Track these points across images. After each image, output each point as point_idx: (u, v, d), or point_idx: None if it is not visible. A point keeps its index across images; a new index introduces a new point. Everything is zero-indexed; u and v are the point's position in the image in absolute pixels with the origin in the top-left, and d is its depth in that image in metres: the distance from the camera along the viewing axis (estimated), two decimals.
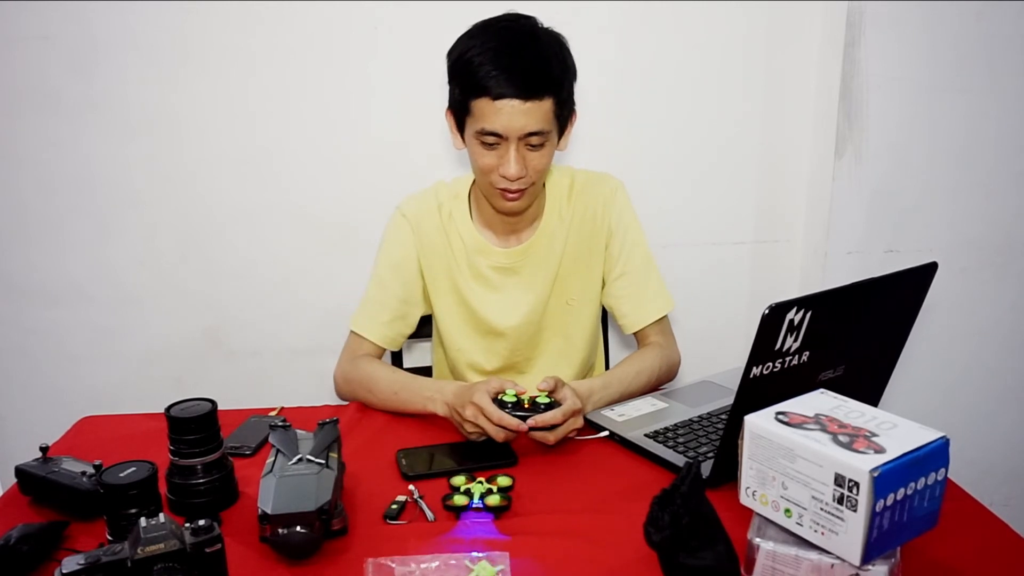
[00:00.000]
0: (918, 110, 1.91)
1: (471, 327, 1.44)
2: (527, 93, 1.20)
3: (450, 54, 1.27)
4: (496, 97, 1.20)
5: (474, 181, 1.43)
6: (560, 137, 1.30)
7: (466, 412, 1.15)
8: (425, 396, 1.26)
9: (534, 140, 1.24)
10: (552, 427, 1.14)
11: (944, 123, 1.93)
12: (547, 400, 1.15)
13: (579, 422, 1.19)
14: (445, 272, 1.42)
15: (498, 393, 1.16)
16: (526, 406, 1.14)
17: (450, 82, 1.28)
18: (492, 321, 1.42)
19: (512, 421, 1.12)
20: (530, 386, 1.19)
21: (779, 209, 2.02)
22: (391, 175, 1.88)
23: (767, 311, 0.90)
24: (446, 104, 1.32)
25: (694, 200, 1.99)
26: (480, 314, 1.42)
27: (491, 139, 1.23)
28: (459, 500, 1.01)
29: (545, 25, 1.27)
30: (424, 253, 1.41)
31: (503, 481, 1.05)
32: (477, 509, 1.00)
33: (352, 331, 1.42)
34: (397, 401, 1.29)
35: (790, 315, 0.92)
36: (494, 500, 1.01)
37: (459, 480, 1.05)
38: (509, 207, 1.32)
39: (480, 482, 1.04)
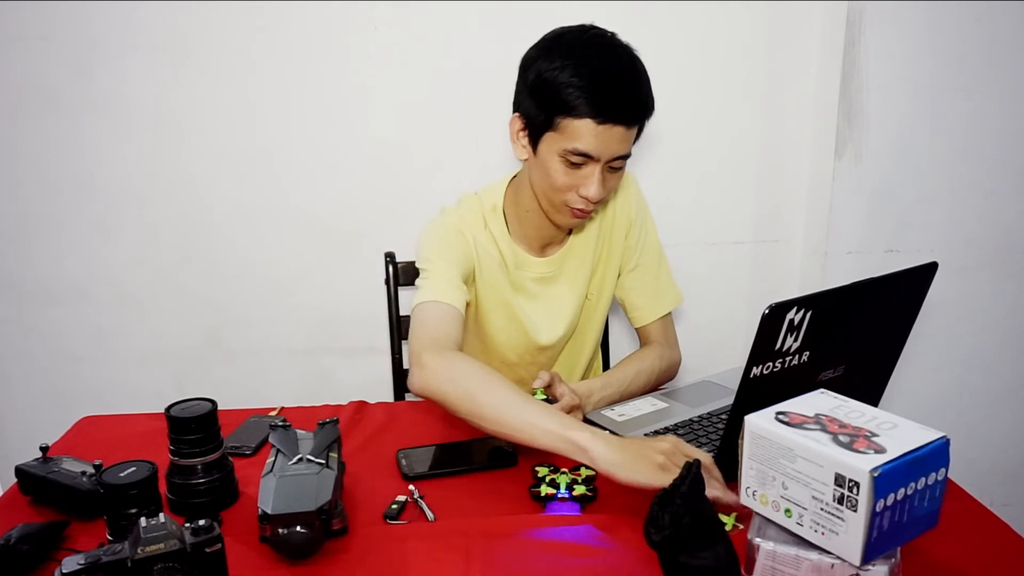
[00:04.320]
0: (918, 110, 1.91)
1: (520, 342, 1.43)
2: (631, 120, 1.19)
3: (530, 64, 1.22)
4: (600, 121, 1.16)
5: (506, 193, 1.40)
6: None
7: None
8: (566, 426, 1.02)
9: (618, 163, 1.23)
10: None
11: (944, 123, 1.93)
12: (544, 397, 1.16)
13: (579, 418, 1.19)
14: (496, 287, 1.38)
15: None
16: None
17: (530, 95, 1.22)
18: (539, 337, 1.42)
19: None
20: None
21: (779, 209, 2.02)
22: (391, 176, 1.88)
23: (767, 311, 0.90)
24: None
25: (694, 200, 1.99)
26: (528, 330, 1.41)
27: (579, 159, 1.20)
28: (546, 489, 1.03)
29: (625, 42, 1.23)
30: (480, 267, 1.36)
31: (587, 471, 1.07)
32: (563, 499, 1.02)
33: (423, 303, 1.23)
34: (513, 420, 1.05)
35: (790, 315, 0.92)
36: (580, 490, 1.03)
37: (543, 471, 1.07)
38: (575, 223, 1.32)
39: (564, 472, 1.06)
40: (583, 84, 1.15)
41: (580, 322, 1.46)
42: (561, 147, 1.20)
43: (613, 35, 1.23)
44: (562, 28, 1.24)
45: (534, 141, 1.25)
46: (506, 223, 1.39)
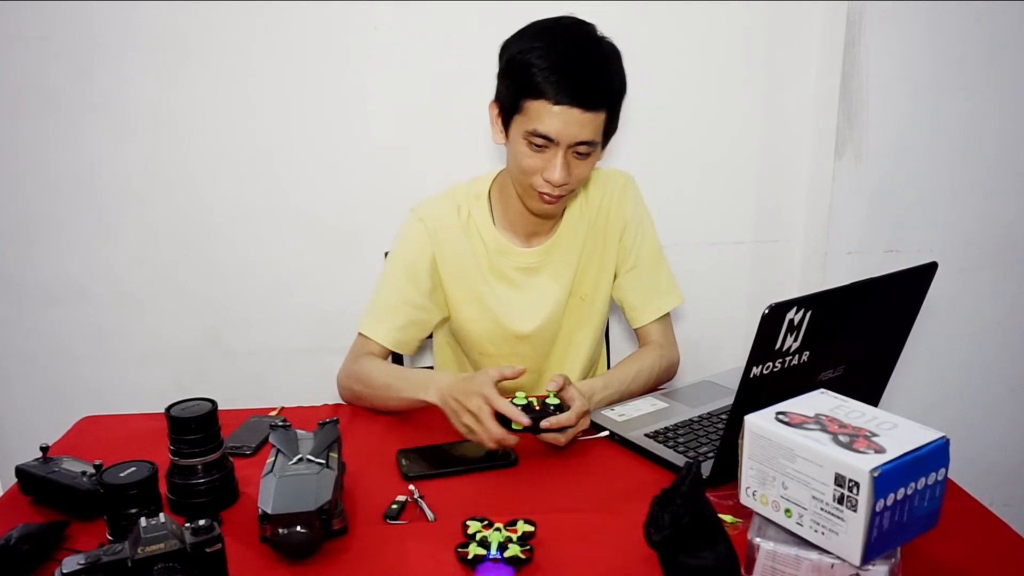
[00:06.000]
0: (918, 110, 1.91)
1: (494, 331, 1.43)
2: (587, 103, 1.19)
3: (507, 48, 1.26)
4: (556, 102, 1.18)
5: (495, 181, 1.42)
6: (602, 148, 1.30)
7: (471, 403, 1.11)
8: (416, 383, 1.24)
9: (582, 149, 1.24)
10: (562, 428, 1.14)
11: (944, 123, 1.93)
12: (556, 401, 1.15)
13: (587, 423, 1.19)
14: (465, 277, 1.40)
15: (499, 380, 1.15)
16: (536, 408, 1.13)
17: (503, 77, 1.27)
18: (516, 326, 1.42)
19: (525, 418, 1.09)
20: (542, 384, 1.19)
21: (779, 209, 2.02)
22: (390, 176, 1.88)
23: (767, 311, 0.90)
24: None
25: (694, 200, 1.99)
26: (503, 319, 1.41)
27: (540, 141, 1.22)
28: (475, 551, 0.91)
29: (603, 35, 1.26)
30: (443, 259, 1.39)
31: (524, 527, 0.96)
32: (495, 560, 0.90)
33: (360, 333, 1.40)
34: (389, 393, 1.28)
35: (790, 315, 0.92)
36: (514, 551, 0.90)
37: (475, 526, 0.96)
38: (545, 209, 1.32)
39: (498, 529, 0.94)
40: (544, 65, 1.19)
41: (569, 319, 1.46)
42: (524, 129, 1.23)
43: (588, 25, 1.25)
44: (541, 19, 1.27)
45: (506, 124, 1.28)
46: (491, 211, 1.41)
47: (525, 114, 1.22)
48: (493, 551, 0.91)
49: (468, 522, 0.97)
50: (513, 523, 0.96)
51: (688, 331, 1.75)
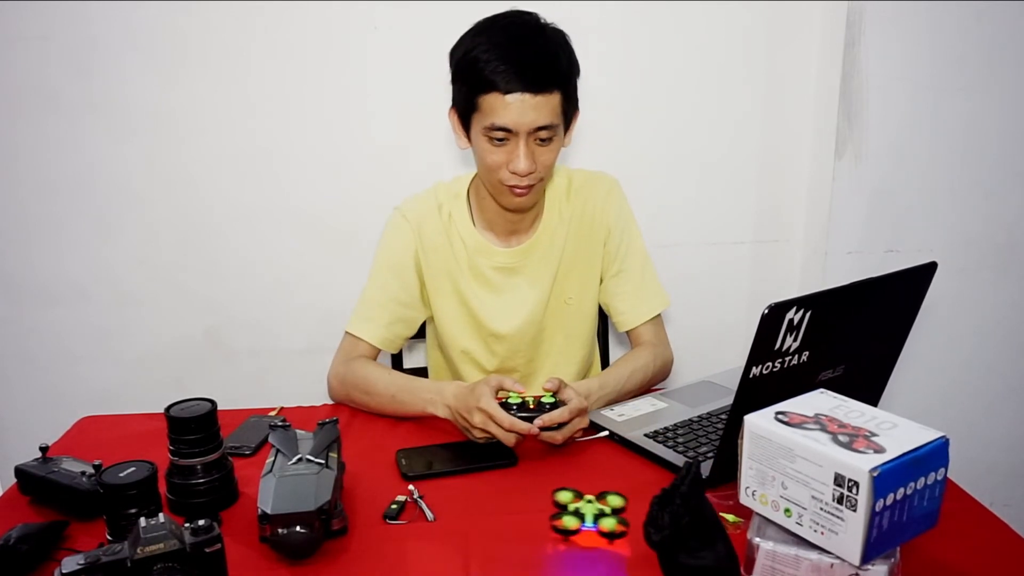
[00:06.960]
0: (918, 110, 1.91)
1: (473, 330, 1.44)
2: (536, 87, 1.20)
3: (454, 52, 1.27)
4: (506, 92, 1.19)
5: (473, 180, 1.43)
6: (565, 132, 1.30)
7: (474, 419, 1.15)
8: (424, 398, 1.25)
9: (543, 134, 1.24)
10: (559, 426, 1.14)
11: (944, 123, 1.93)
12: (552, 400, 1.15)
13: (585, 421, 1.19)
14: (446, 274, 1.41)
15: (498, 390, 1.16)
16: (532, 407, 1.14)
17: (455, 81, 1.28)
18: (494, 325, 1.42)
19: (523, 426, 1.11)
20: (532, 388, 1.19)
21: (779, 209, 2.02)
22: (390, 176, 1.88)
23: (767, 311, 0.90)
24: (449, 103, 1.31)
25: (694, 200, 1.99)
26: (481, 317, 1.42)
27: (500, 134, 1.23)
28: (569, 522, 0.93)
29: (547, 21, 1.27)
30: (425, 255, 1.40)
31: (615, 501, 0.97)
32: (589, 533, 0.92)
33: (348, 332, 1.41)
34: (395, 404, 1.29)
35: (790, 315, 0.92)
36: (609, 524, 0.92)
37: (565, 497, 0.98)
38: (517, 203, 1.32)
39: (590, 500, 0.96)
40: (489, 58, 1.20)
41: (552, 322, 1.45)
42: (482, 125, 1.24)
43: (530, 14, 1.26)
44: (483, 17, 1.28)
45: (466, 127, 1.29)
46: (470, 211, 1.41)
47: (480, 111, 1.23)
48: (589, 523, 0.93)
49: (558, 492, 0.99)
50: (603, 496, 0.98)
51: (688, 331, 1.75)
